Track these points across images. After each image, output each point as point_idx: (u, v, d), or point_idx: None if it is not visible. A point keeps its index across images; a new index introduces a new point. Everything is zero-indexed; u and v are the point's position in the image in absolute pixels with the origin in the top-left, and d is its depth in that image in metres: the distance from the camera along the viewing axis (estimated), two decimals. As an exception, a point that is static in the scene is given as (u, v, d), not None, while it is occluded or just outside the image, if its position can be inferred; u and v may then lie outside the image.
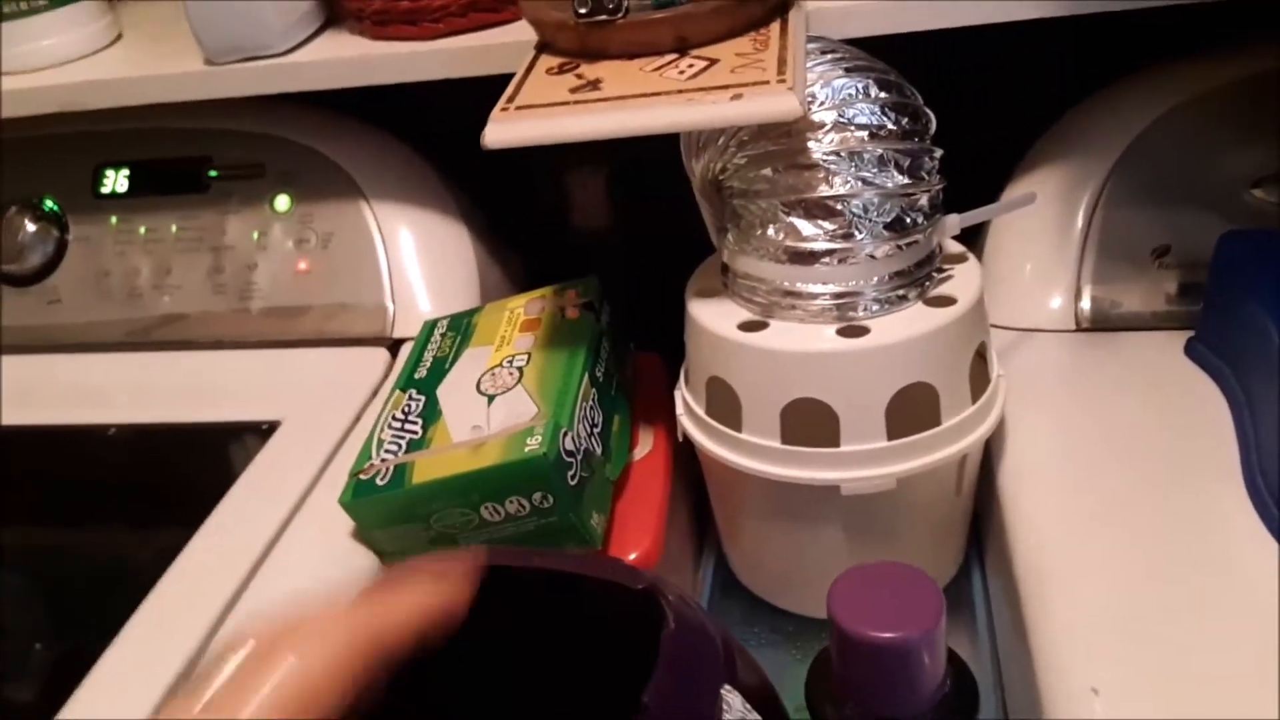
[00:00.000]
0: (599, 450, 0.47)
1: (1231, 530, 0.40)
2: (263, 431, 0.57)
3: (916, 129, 0.44)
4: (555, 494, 0.43)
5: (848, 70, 0.44)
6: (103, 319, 0.69)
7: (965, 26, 0.51)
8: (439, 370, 0.52)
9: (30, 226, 0.70)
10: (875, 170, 0.43)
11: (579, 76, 0.44)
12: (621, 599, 0.29)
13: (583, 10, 0.44)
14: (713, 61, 0.43)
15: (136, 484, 0.59)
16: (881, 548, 0.48)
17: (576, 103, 0.42)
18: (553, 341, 0.51)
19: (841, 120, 0.43)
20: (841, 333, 0.44)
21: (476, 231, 0.69)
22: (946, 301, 0.45)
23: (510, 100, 0.43)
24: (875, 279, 0.44)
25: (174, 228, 0.68)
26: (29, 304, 0.70)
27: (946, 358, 0.44)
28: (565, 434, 0.44)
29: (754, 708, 0.29)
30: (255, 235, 0.67)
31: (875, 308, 0.44)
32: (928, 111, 0.45)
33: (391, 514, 0.46)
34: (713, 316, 0.46)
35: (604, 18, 0.44)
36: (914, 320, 0.44)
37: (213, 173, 0.68)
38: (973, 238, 0.53)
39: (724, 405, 0.46)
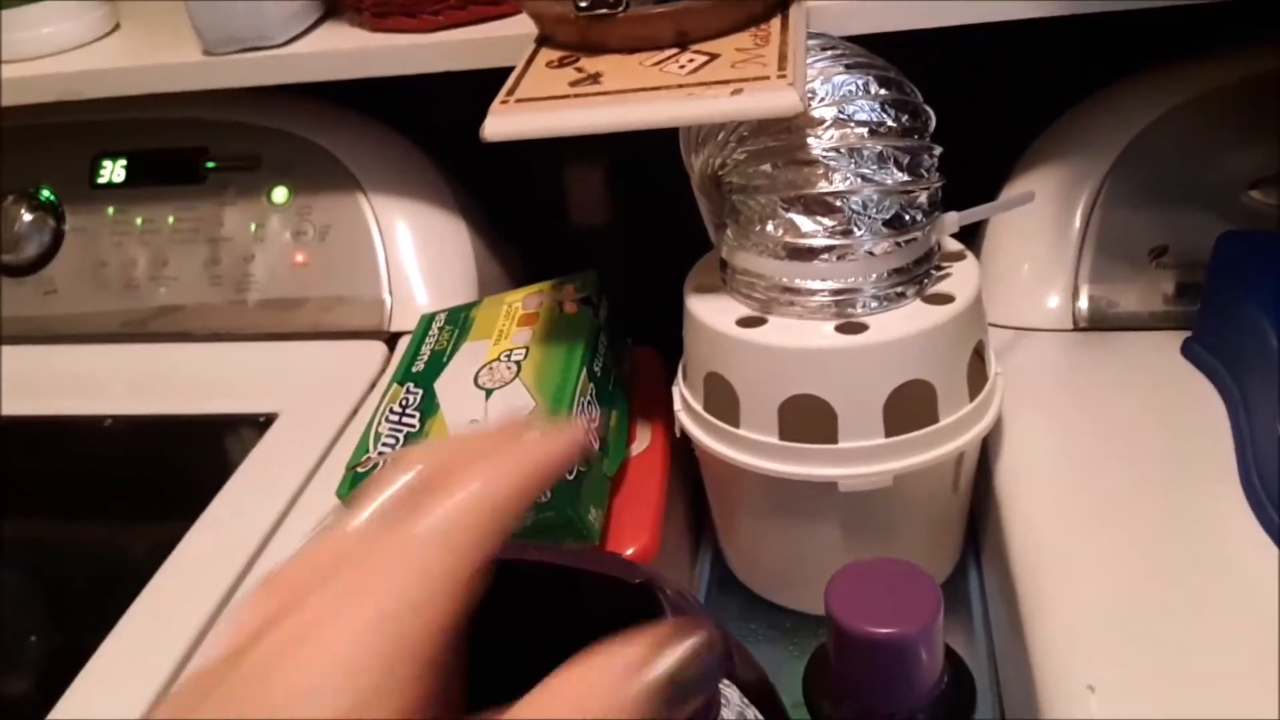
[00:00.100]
0: (596, 445, 0.47)
1: (1227, 530, 0.41)
2: (259, 424, 0.57)
3: (916, 126, 0.44)
4: (552, 489, 0.43)
5: (848, 67, 0.44)
6: (99, 310, 0.69)
7: (965, 25, 0.51)
8: (437, 364, 0.52)
9: (27, 216, 0.70)
10: (875, 167, 0.43)
11: (579, 70, 0.44)
12: (619, 594, 0.29)
13: (583, 4, 0.44)
14: (713, 56, 0.43)
15: (132, 476, 0.59)
16: (879, 544, 0.48)
17: (576, 96, 0.42)
18: (551, 336, 0.51)
19: (841, 117, 0.43)
20: (840, 329, 0.44)
21: (475, 225, 0.69)
22: (945, 299, 0.45)
23: (510, 93, 0.43)
24: (874, 276, 0.44)
25: (171, 219, 0.68)
26: (25, 294, 0.70)
27: (944, 355, 0.44)
28: (563, 429, 0.44)
29: (751, 703, 0.29)
30: (252, 227, 0.67)
31: (874, 305, 0.44)
32: (927, 109, 0.45)
33: (388, 507, 0.45)
34: (711, 312, 0.46)
35: (605, 11, 0.44)
36: (912, 318, 0.44)
37: (210, 164, 0.68)
38: (971, 236, 0.53)
39: (722, 401, 0.46)
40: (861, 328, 0.43)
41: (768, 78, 0.40)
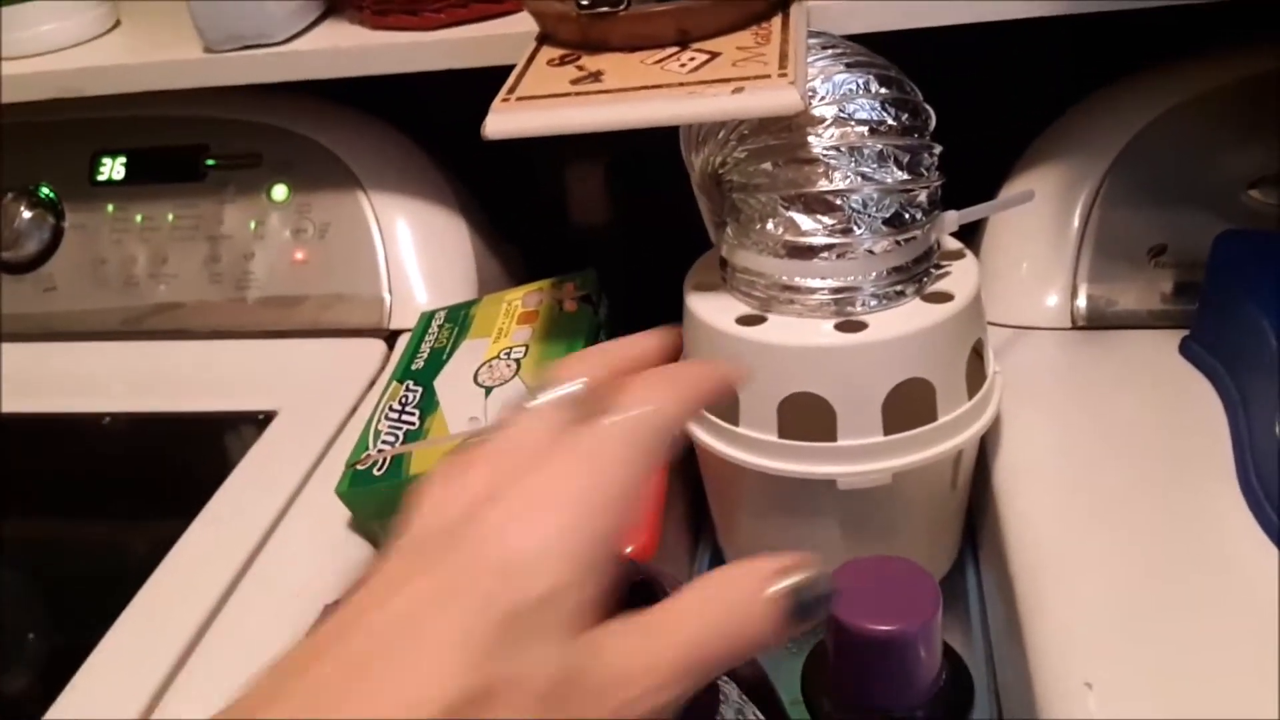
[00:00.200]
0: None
1: (1226, 529, 0.41)
2: (259, 421, 0.57)
3: (916, 125, 0.45)
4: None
5: (848, 65, 0.44)
6: (98, 307, 0.69)
7: (966, 24, 0.51)
8: (436, 361, 0.52)
9: (26, 213, 0.70)
10: (875, 166, 0.43)
11: (580, 68, 0.44)
12: (618, 591, 0.29)
13: (585, 2, 0.44)
14: (714, 55, 0.43)
15: (131, 474, 0.59)
16: (877, 542, 0.48)
17: (577, 94, 0.42)
18: (550, 334, 0.51)
19: (842, 115, 0.43)
20: (839, 328, 0.44)
21: (474, 223, 0.69)
22: (944, 298, 0.45)
23: (511, 91, 0.43)
24: (873, 274, 0.44)
25: (170, 216, 0.68)
26: (25, 291, 0.70)
27: (943, 354, 0.44)
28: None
29: (750, 700, 0.29)
30: (252, 225, 0.67)
31: (873, 303, 0.44)
32: (927, 108, 0.45)
33: (388, 504, 0.45)
34: (711, 310, 0.46)
35: (606, 10, 0.44)
36: (911, 316, 0.44)
37: (210, 161, 0.68)
38: (970, 235, 0.53)
39: (721, 399, 0.46)
40: (861, 326, 0.43)
41: (769, 76, 0.40)
